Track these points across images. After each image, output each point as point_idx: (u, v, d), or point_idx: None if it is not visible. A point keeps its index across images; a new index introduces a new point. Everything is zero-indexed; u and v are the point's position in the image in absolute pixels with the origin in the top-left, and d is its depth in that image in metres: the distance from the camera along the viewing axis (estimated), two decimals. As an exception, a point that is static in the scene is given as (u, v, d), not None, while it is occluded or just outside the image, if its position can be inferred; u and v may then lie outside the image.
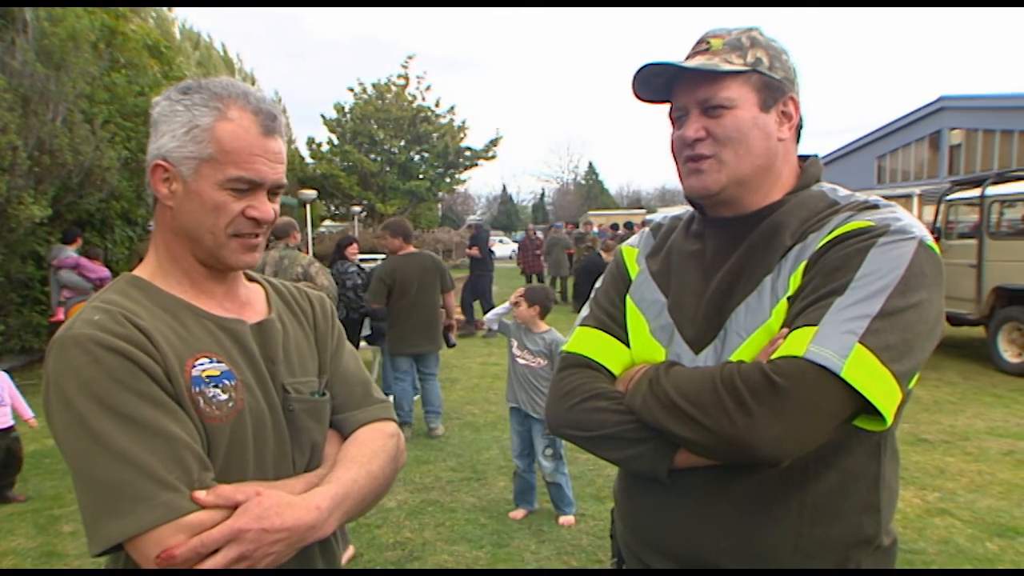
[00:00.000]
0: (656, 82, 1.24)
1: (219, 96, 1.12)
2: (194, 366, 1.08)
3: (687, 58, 1.25)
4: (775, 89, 1.22)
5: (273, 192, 1.16)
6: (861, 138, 26.32)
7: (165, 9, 15.93)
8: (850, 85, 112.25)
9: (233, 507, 1.01)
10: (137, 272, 1.17)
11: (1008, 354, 7.89)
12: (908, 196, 12.09)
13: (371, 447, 1.23)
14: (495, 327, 4.46)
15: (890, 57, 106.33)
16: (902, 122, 24.08)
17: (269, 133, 1.14)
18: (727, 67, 1.19)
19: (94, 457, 0.97)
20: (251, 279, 1.29)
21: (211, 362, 1.10)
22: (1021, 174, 8.57)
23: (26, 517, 4.26)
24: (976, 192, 8.42)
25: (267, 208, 1.15)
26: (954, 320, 8.71)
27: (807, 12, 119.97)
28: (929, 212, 10.23)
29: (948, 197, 9.05)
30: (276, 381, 1.18)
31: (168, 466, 0.98)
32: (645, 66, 1.22)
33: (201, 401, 1.07)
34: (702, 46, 1.25)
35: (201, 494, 1.00)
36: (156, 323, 1.08)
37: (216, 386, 1.09)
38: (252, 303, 1.24)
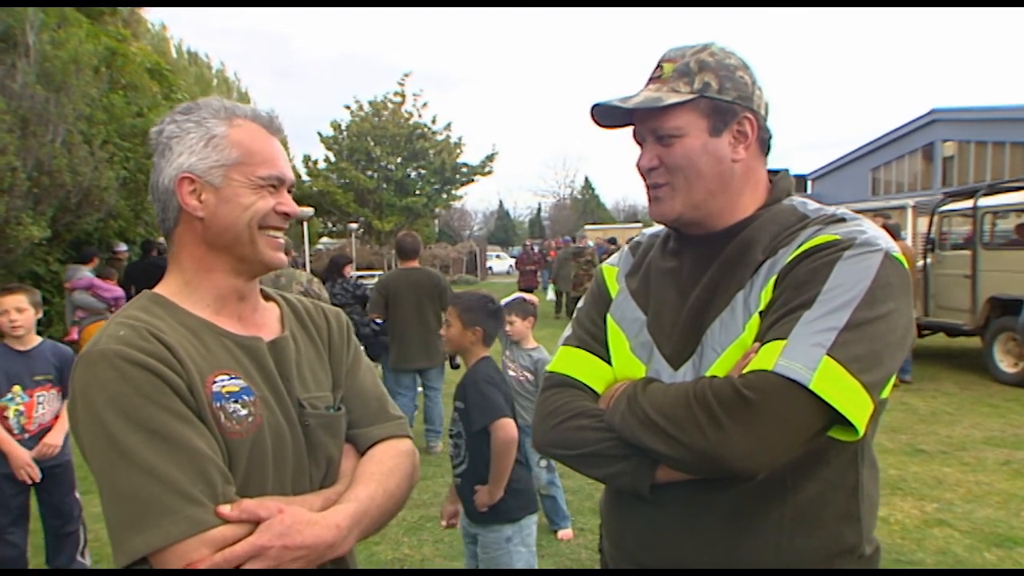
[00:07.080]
0: (617, 111, 1.27)
1: (222, 108, 1.19)
2: (214, 382, 1.10)
3: (647, 82, 1.29)
4: (725, 112, 1.23)
5: (288, 190, 1.23)
6: (856, 150, 26.52)
7: (159, 28, 16.13)
8: (845, 99, 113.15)
9: (256, 522, 1.03)
10: (159, 291, 1.20)
11: (1004, 364, 7.92)
12: (902, 208, 12.18)
13: (388, 464, 1.25)
14: None
15: (883, 70, 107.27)
16: (895, 134, 24.28)
17: (275, 132, 1.22)
18: (671, 99, 1.21)
19: (120, 471, 0.99)
20: (267, 297, 1.32)
21: (230, 378, 1.12)
22: (1013, 185, 8.64)
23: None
24: (969, 203, 8.49)
25: (294, 204, 1.22)
26: (950, 331, 8.74)
27: (801, 28, 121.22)
28: (923, 223, 10.31)
29: (941, 208, 9.11)
30: (292, 397, 1.20)
31: (193, 480, 1.00)
32: (594, 106, 1.27)
33: (222, 416, 1.09)
34: (656, 71, 1.28)
35: (225, 509, 1.02)
36: (178, 339, 1.10)
37: (236, 401, 1.11)
38: (267, 322, 1.27)
